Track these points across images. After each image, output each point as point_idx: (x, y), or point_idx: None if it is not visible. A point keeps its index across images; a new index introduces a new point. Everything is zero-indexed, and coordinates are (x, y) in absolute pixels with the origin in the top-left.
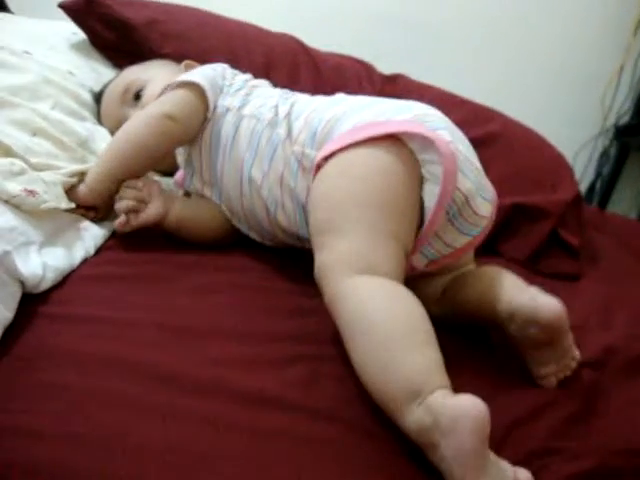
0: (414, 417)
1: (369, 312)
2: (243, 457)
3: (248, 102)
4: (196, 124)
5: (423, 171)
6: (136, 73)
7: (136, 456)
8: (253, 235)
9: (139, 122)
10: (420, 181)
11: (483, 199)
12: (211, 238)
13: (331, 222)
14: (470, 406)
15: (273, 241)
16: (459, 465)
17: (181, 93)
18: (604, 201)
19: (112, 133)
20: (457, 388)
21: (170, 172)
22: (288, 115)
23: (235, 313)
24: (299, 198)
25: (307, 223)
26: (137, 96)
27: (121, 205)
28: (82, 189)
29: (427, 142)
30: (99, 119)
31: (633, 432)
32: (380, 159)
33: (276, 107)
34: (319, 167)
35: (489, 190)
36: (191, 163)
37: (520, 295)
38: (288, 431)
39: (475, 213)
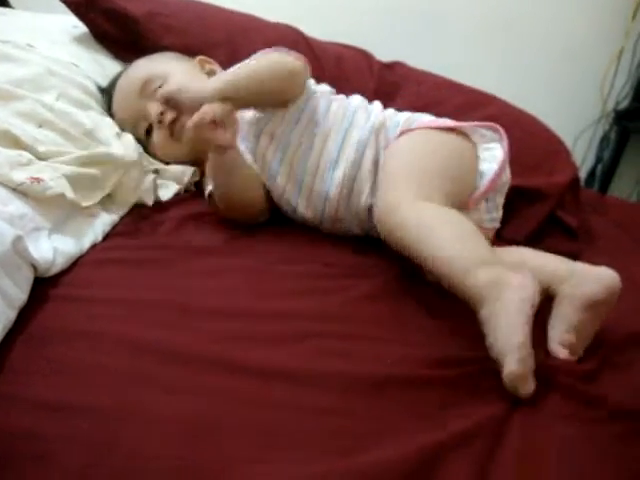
0: (484, 274)
1: (445, 216)
2: (247, 427)
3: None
4: (302, 93)
5: (481, 153)
6: (152, 66)
7: (143, 426)
8: (301, 202)
9: (264, 62)
10: (476, 163)
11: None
12: (238, 203)
13: (404, 169)
14: (521, 278)
15: (318, 211)
16: (506, 323)
17: (297, 62)
18: (605, 186)
19: (127, 124)
20: None
21: (193, 162)
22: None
23: (244, 294)
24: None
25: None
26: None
27: (207, 110)
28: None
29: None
30: (108, 110)
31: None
32: (451, 141)
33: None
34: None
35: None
36: (263, 125)
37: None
38: (292, 403)
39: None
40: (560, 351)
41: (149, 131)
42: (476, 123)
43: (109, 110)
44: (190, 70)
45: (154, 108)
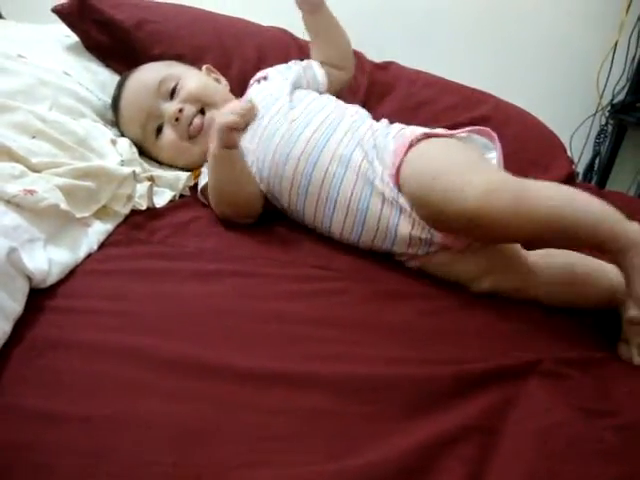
0: (632, 225)
1: (566, 190)
2: (241, 432)
3: None
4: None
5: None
6: (166, 68)
7: (140, 433)
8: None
9: None
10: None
11: None
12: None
13: (450, 164)
14: None
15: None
16: None
17: None
18: (603, 179)
19: (135, 123)
20: None
21: (189, 168)
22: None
23: (235, 298)
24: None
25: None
26: (173, 91)
27: (238, 110)
28: None
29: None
30: (115, 108)
31: None
32: (456, 141)
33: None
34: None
35: None
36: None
37: None
38: (286, 406)
39: None
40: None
41: (158, 131)
42: (469, 129)
43: (115, 108)
44: (201, 76)
45: (172, 106)
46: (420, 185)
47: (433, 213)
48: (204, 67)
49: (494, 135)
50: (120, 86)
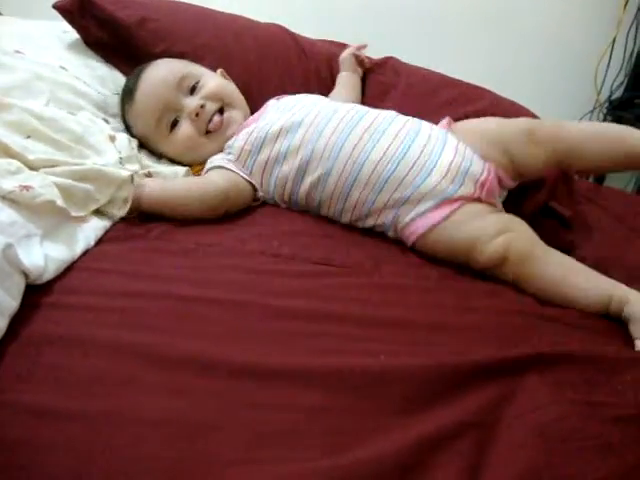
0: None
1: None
2: (238, 428)
3: None
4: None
5: None
6: (186, 65)
7: (136, 429)
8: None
9: None
10: None
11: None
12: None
13: None
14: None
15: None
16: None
17: None
18: (601, 176)
19: (150, 114)
20: None
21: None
22: None
23: (234, 294)
24: None
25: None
26: (193, 88)
27: None
28: None
29: None
30: (129, 99)
31: None
32: None
33: None
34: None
35: None
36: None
37: None
38: (283, 402)
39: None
40: None
41: (173, 125)
42: None
43: (129, 98)
44: (219, 76)
45: (194, 101)
46: None
47: None
48: (219, 71)
49: None
50: (136, 77)
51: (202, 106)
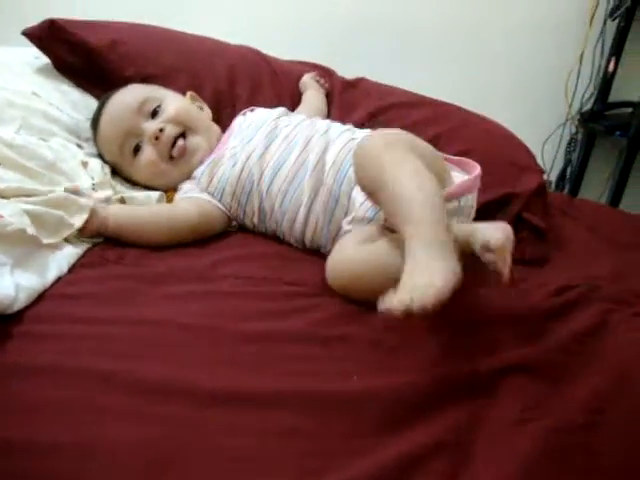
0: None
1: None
2: (214, 455)
3: None
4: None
5: None
6: (149, 89)
7: (108, 459)
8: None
9: None
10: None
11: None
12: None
13: None
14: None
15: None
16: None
17: None
18: (575, 188)
19: (113, 141)
20: None
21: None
22: None
23: (207, 319)
24: None
25: None
26: (154, 112)
27: None
28: None
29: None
30: (94, 127)
31: None
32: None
33: None
34: None
35: None
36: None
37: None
38: (259, 427)
39: None
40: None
41: (136, 151)
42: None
43: (95, 126)
44: (185, 100)
45: (153, 125)
46: None
47: None
48: (188, 94)
49: (473, 165)
50: (101, 105)
51: (161, 130)
